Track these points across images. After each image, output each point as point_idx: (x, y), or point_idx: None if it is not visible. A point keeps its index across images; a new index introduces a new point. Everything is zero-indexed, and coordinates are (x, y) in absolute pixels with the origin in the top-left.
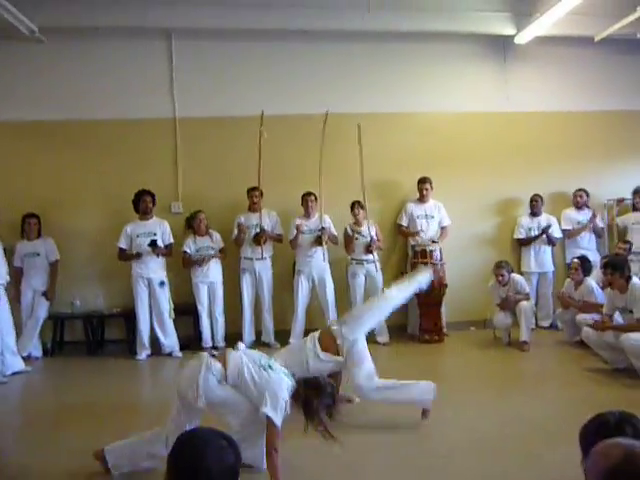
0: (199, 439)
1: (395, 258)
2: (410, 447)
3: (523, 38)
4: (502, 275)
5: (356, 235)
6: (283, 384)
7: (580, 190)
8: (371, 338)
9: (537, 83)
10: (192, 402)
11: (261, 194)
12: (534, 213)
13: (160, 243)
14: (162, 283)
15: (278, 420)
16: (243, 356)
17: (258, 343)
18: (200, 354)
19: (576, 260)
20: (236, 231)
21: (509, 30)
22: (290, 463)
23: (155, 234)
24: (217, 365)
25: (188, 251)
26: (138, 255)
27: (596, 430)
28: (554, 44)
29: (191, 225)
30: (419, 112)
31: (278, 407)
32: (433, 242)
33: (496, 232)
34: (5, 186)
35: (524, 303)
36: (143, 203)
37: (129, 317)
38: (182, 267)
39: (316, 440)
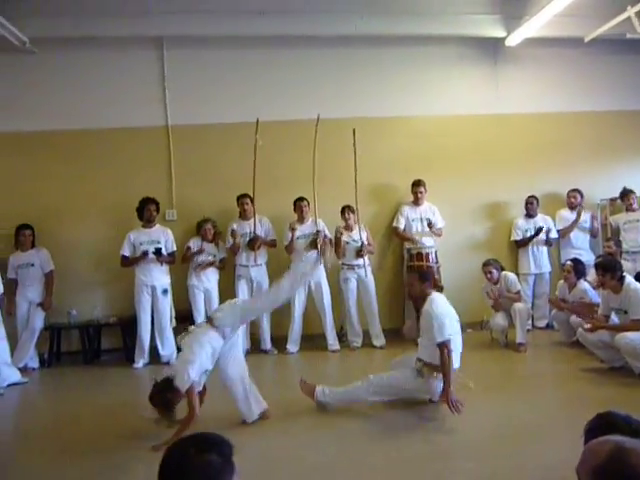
0: (180, 465)
1: (390, 261)
2: (404, 448)
3: (513, 40)
4: (490, 272)
5: (346, 239)
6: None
7: (574, 191)
8: (367, 342)
9: (528, 85)
10: None
11: (252, 200)
12: (530, 214)
13: (164, 251)
14: (165, 291)
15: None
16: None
17: (255, 350)
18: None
19: (569, 263)
20: (230, 239)
21: (499, 33)
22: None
23: (159, 242)
24: None
25: (192, 247)
26: (145, 254)
27: (603, 432)
28: (544, 46)
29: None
30: (412, 115)
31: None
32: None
33: (491, 234)
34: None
35: (519, 305)
36: (147, 211)
37: (126, 326)
38: (181, 264)
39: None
